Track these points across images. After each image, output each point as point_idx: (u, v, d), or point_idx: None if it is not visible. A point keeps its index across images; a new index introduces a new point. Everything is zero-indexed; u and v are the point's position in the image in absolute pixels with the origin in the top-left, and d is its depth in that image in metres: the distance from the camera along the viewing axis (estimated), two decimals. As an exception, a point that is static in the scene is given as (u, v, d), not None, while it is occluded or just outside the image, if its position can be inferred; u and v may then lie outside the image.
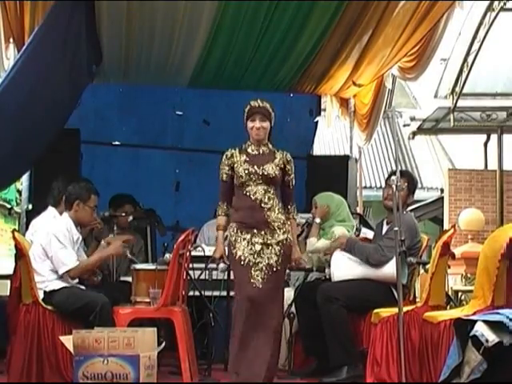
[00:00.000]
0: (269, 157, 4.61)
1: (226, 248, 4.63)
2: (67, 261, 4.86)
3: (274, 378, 4.50)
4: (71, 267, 4.85)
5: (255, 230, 4.49)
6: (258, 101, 4.61)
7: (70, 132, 6.98)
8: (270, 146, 4.66)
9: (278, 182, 4.59)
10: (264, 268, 4.44)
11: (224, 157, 4.65)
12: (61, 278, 4.90)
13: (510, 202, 12.04)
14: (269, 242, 4.49)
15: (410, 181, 5.01)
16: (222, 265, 4.77)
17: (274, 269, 4.46)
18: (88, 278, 5.16)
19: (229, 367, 4.55)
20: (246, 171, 4.54)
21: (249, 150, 4.64)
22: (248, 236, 4.49)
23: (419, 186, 5.47)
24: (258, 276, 4.42)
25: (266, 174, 4.53)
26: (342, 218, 5.64)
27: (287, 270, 5.45)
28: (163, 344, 4.63)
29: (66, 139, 6.68)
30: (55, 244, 4.86)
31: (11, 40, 6.37)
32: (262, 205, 4.51)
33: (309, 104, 8.68)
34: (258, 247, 4.47)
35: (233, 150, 4.66)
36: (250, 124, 4.61)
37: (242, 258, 4.46)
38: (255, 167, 4.54)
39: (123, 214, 6.13)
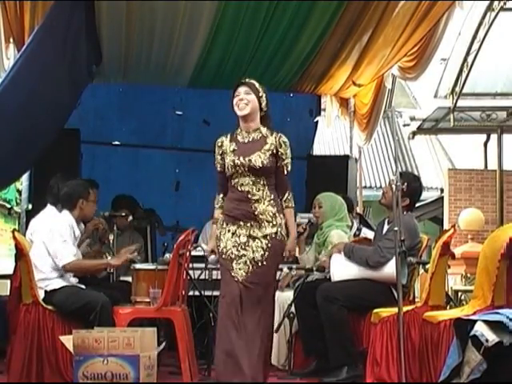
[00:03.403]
0: (258, 144, 4.31)
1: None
2: (66, 254, 4.86)
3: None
4: (69, 261, 4.85)
5: (241, 222, 4.23)
6: (247, 79, 4.41)
7: (70, 132, 7.00)
8: (264, 130, 4.36)
9: (268, 171, 4.28)
10: (248, 262, 4.19)
11: (216, 146, 4.42)
12: (61, 276, 4.91)
13: (510, 202, 12.04)
14: (254, 234, 4.21)
15: (409, 183, 4.92)
16: (212, 256, 4.47)
17: (260, 263, 4.19)
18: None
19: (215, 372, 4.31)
20: (232, 163, 4.27)
21: (238, 138, 4.37)
22: (233, 228, 4.24)
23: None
24: (240, 270, 4.18)
25: (251, 165, 4.24)
26: (341, 218, 5.64)
27: (286, 269, 5.51)
28: (163, 344, 4.64)
29: (66, 139, 6.69)
30: (57, 238, 4.87)
31: (11, 40, 6.37)
32: (249, 196, 4.24)
33: (309, 104, 8.69)
34: (242, 239, 4.21)
35: (223, 138, 4.42)
36: (234, 100, 4.35)
37: (225, 250, 4.23)
38: (241, 158, 4.26)
39: (123, 214, 6.13)
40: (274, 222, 4.26)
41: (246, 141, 4.35)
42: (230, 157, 4.31)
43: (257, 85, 4.37)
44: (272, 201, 4.28)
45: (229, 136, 4.42)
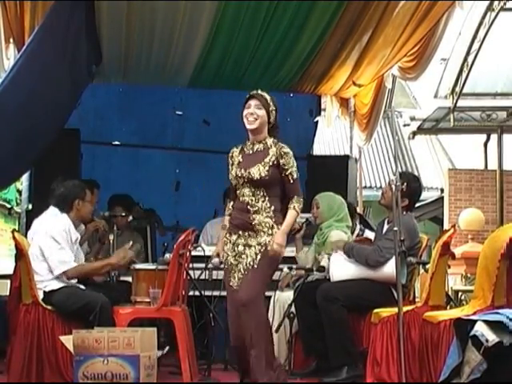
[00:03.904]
0: (260, 155, 4.39)
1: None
2: (64, 261, 4.85)
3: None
4: (68, 268, 4.85)
5: (240, 232, 4.38)
6: (259, 90, 4.46)
7: (70, 132, 6.99)
8: (270, 141, 4.43)
9: (267, 182, 4.35)
10: (242, 269, 4.32)
11: (229, 157, 4.54)
12: (58, 277, 4.90)
13: (510, 202, 12.04)
14: (250, 242, 4.34)
15: (409, 184, 4.91)
16: (216, 259, 4.59)
17: (250, 267, 4.31)
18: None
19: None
20: (235, 174, 4.43)
21: (245, 150, 4.48)
22: (234, 237, 4.40)
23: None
24: (235, 278, 4.33)
25: (250, 177, 4.35)
26: (341, 218, 5.63)
27: (286, 269, 5.51)
28: (167, 348, 4.64)
29: (66, 139, 6.68)
30: (52, 244, 4.85)
31: (11, 40, 6.37)
32: (249, 207, 4.35)
33: (309, 104, 8.68)
34: (240, 248, 4.35)
35: (234, 149, 4.55)
36: (244, 111, 4.41)
37: (225, 262, 4.42)
38: (242, 170, 4.39)
39: (123, 214, 6.13)
40: (270, 232, 4.34)
41: (251, 152, 4.46)
42: (235, 168, 4.44)
43: (268, 98, 4.44)
44: (271, 212, 4.36)
45: (239, 147, 4.53)
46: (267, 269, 4.37)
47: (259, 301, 4.33)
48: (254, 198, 4.36)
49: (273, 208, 4.36)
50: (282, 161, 4.36)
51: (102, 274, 5.27)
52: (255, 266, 4.30)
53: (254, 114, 4.37)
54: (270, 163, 4.35)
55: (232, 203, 4.54)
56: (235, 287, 4.33)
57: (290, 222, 4.39)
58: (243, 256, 4.34)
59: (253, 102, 4.40)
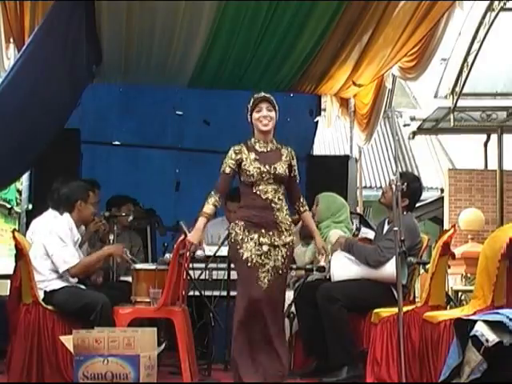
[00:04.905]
0: (276, 154, 4.55)
1: (230, 246, 4.56)
2: (68, 259, 4.87)
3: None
4: (72, 265, 4.86)
5: (263, 230, 4.42)
6: (262, 93, 4.57)
7: (70, 132, 6.99)
8: (275, 141, 4.61)
9: (285, 180, 4.54)
10: (270, 270, 4.41)
11: (232, 151, 4.53)
12: (61, 277, 4.90)
13: (510, 202, 12.05)
14: (276, 243, 4.43)
15: (409, 183, 4.89)
16: (199, 252, 4.68)
17: (280, 271, 4.45)
18: (90, 279, 5.20)
19: (233, 374, 4.50)
20: (258, 170, 4.45)
21: (256, 147, 4.55)
22: (255, 236, 4.41)
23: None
24: (264, 278, 4.39)
25: (277, 173, 4.47)
26: (341, 221, 5.63)
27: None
28: (164, 344, 4.63)
29: (66, 139, 6.68)
30: (57, 242, 4.87)
31: (11, 40, 6.37)
32: (273, 205, 4.45)
33: (309, 104, 8.68)
34: (265, 248, 4.41)
35: (241, 146, 4.55)
36: (255, 115, 4.51)
37: (249, 259, 4.40)
38: (266, 166, 4.46)
39: (123, 214, 6.13)
40: (291, 231, 4.52)
41: (265, 150, 4.57)
42: (254, 164, 4.48)
43: (274, 100, 4.58)
44: (287, 210, 4.55)
45: (244, 145, 4.58)
46: (289, 271, 4.73)
47: (283, 306, 4.66)
48: (276, 196, 4.48)
49: (287, 206, 4.57)
50: (293, 162, 4.61)
51: (101, 264, 5.25)
52: (284, 270, 4.49)
53: (267, 116, 4.51)
54: (287, 162, 4.56)
55: (219, 196, 4.48)
56: (264, 287, 4.37)
57: (314, 223, 4.90)
58: (270, 257, 4.42)
59: (264, 105, 4.51)
